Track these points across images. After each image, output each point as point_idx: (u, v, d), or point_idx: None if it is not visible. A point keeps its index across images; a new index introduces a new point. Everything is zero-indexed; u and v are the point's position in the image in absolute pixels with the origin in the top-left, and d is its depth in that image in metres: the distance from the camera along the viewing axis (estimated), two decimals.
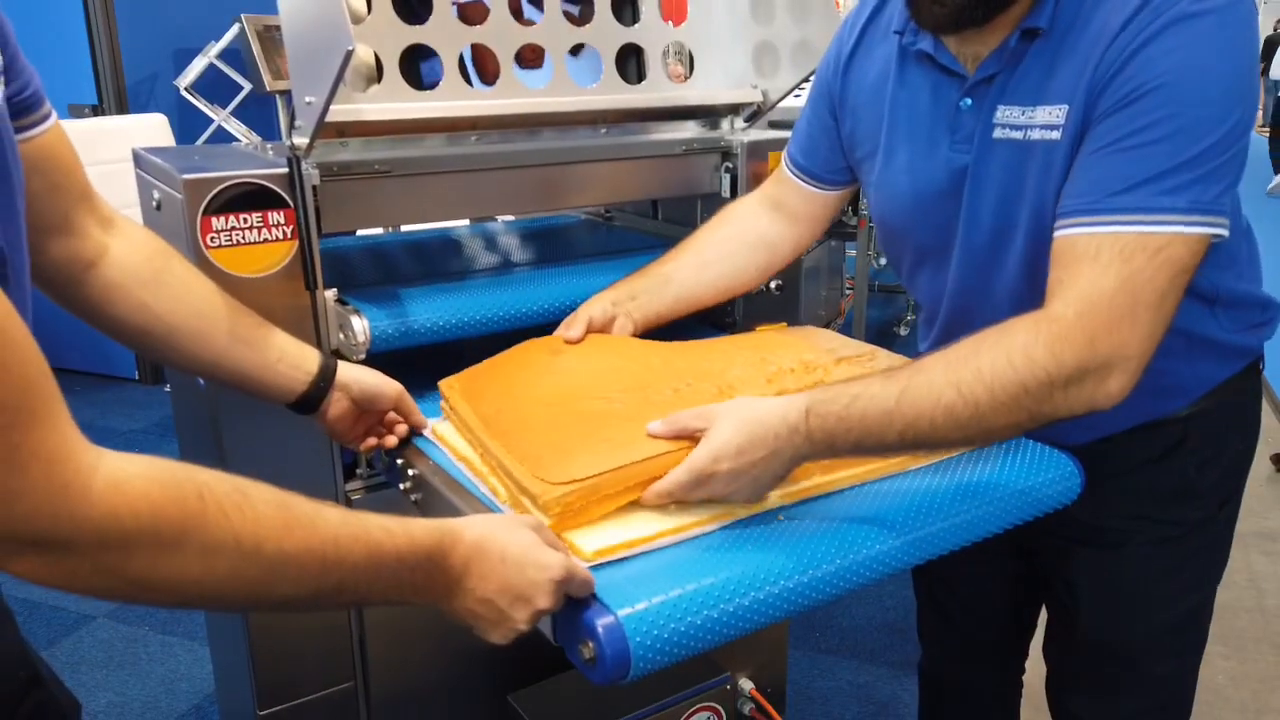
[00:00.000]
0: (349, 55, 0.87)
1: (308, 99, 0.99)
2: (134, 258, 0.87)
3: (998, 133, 0.94)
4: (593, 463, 0.82)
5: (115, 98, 3.54)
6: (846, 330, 3.47)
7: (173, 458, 0.57)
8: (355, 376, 0.98)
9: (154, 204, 1.12)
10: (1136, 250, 0.80)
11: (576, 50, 1.20)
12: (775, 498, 0.85)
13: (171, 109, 3.60)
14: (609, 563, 0.76)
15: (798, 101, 3.02)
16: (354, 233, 1.64)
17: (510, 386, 1.06)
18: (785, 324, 1.45)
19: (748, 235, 1.22)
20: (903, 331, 4.26)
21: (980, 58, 0.94)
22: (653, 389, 0.99)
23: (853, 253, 3.84)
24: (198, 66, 3.54)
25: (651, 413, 0.89)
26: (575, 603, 0.73)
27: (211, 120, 3.63)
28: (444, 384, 1.06)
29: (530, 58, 1.19)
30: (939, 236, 1.03)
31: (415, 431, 1.04)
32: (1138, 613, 1.08)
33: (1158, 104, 0.81)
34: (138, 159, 1.18)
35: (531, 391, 1.05)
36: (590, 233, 1.63)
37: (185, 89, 3.51)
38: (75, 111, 3.48)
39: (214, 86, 3.64)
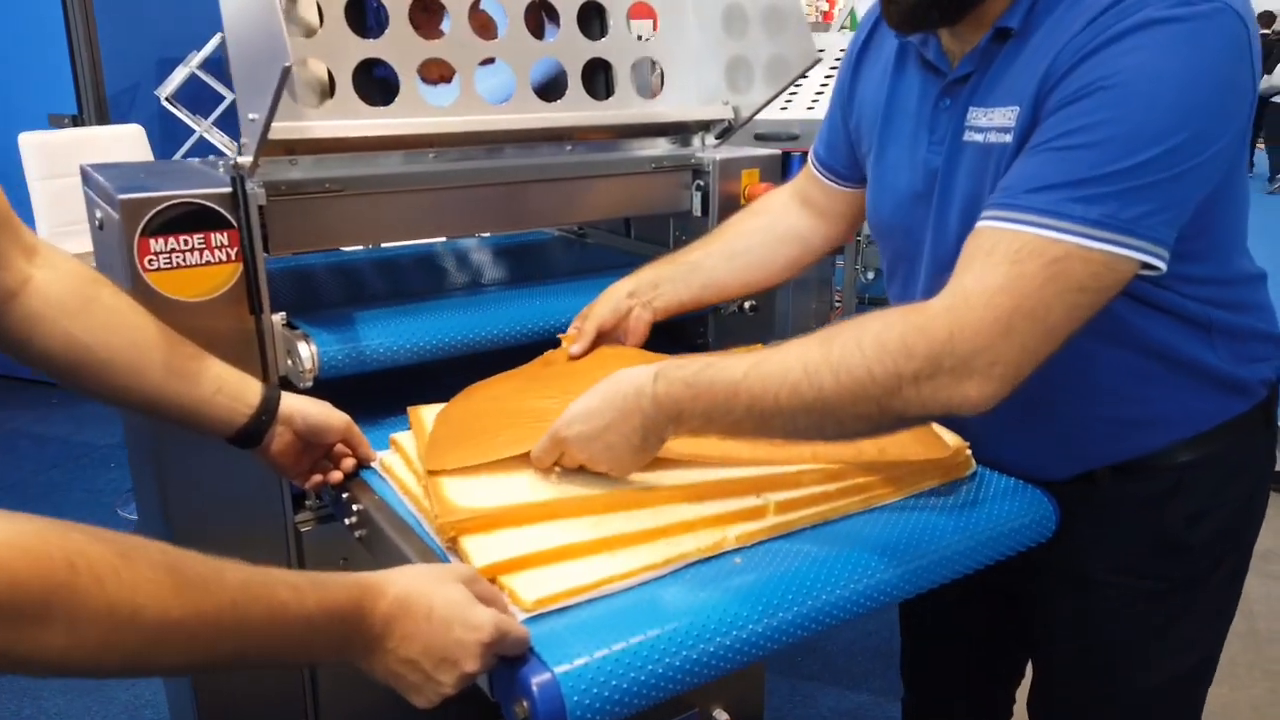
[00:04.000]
0: (287, 71, 0.83)
1: (251, 115, 0.95)
2: (59, 287, 0.83)
3: (967, 135, 0.90)
4: (476, 453, 0.85)
5: (95, 107, 3.50)
6: None
7: None
8: (300, 409, 0.93)
9: (97, 224, 1.07)
10: (1032, 254, 0.73)
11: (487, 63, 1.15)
12: (732, 539, 0.80)
13: (153, 119, 3.56)
14: (551, 611, 0.72)
15: (783, 114, 2.98)
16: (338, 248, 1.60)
17: (479, 401, 1.02)
18: (760, 345, 1.41)
19: (778, 227, 1.19)
20: None
21: (961, 56, 0.91)
22: None
23: (842, 264, 3.81)
24: (179, 76, 3.50)
25: None
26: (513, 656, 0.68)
27: (193, 131, 3.59)
28: (414, 410, 1.01)
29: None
30: (910, 242, 0.99)
31: (363, 464, 0.99)
32: (1118, 673, 1.01)
33: (1099, 105, 0.75)
34: (85, 176, 1.14)
35: (492, 402, 1.01)
36: (563, 250, 1.59)
37: (166, 99, 3.47)
38: (55, 121, 3.44)
39: (196, 97, 3.60)
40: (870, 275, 3.21)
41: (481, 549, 0.76)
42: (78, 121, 3.47)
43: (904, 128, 0.99)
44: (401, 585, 0.66)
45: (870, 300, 4.77)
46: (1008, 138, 0.84)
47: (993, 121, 0.87)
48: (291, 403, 0.93)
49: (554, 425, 0.84)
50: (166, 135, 3.63)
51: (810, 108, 2.87)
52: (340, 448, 0.98)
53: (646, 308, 1.14)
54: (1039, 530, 0.90)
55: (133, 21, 3.55)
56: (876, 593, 0.79)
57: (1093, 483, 0.96)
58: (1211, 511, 0.96)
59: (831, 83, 3.01)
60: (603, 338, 1.13)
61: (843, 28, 4.32)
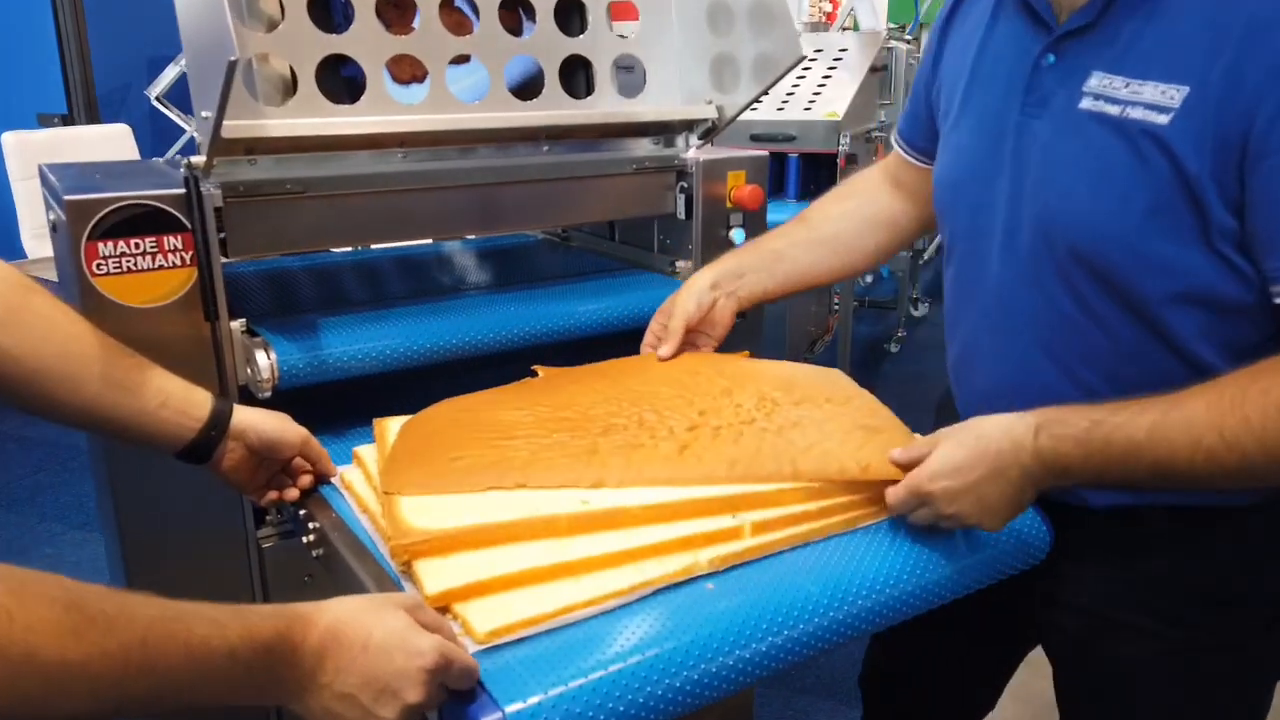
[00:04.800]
0: (233, 66, 0.79)
1: (204, 113, 0.90)
2: None
3: (1086, 103, 0.78)
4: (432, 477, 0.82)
5: (85, 107, 3.46)
6: (833, 347, 3.38)
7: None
8: (253, 423, 0.89)
9: (51, 226, 1.03)
10: None
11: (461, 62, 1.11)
12: (704, 564, 0.75)
13: (144, 119, 3.52)
14: (507, 643, 0.67)
15: (780, 115, 2.93)
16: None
17: (446, 412, 0.98)
18: (748, 353, 1.36)
19: (867, 210, 1.13)
20: (893, 349, 4.17)
21: (1075, 7, 0.80)
22: (590, 414, 0.94)
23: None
24: (169, 75, 3.45)
25: (562, 434, 0.87)
26: (462, 692, 0.64)
27: (184, 130, 3.54)
28: (380, 422, 0.97)
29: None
30: (979, 219, 0.89)
31: (323, 479, 0.95)
32: None
33: None
34: (42, 176, 1.10)
35: (460, 413, 0.97)
36: (546, 254, 1.54)
37: (156, 99, 3.43)
38: (44, 121, 3.40)
39: (187, 96, 3.56)
40: (869, 279, 3.16)
41: (435, 573, 0.72)
42: (67, 121, 3.44)
43: (992, 88, 0.88)
44: (334, 614, 0.61)
45: (870, 303, 4.73)
46: (1163, 119, 0.73)
47: (1139, 95, 0.75)
48: (245, 416, 0.88)
49: (914, 477, 0.78)
50: (158, 135, 3.59)
51: (807, 108, 2.83)
52: (299, 462, 0.93)
53: (731, 298, 1.09)
54: (1031, 553, 0.85)
55: (123, 20, 3.51)
56: (858, 621, 0.75)
57: (1138, 517, 0.86)
58: (1273, 564, 0.86)
59: (830, 81, 2.96)
60: (690, 334, 1.09)
61: (844, 28, 4.28)
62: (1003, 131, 0.86)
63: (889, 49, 3.35)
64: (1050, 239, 0.82)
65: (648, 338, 1.11)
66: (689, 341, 1.09)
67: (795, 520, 0.81)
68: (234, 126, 0.92)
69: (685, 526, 0.78)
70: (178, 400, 0.84)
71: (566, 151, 1.20)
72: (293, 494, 0.91)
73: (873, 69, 3.06)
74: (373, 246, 1.53)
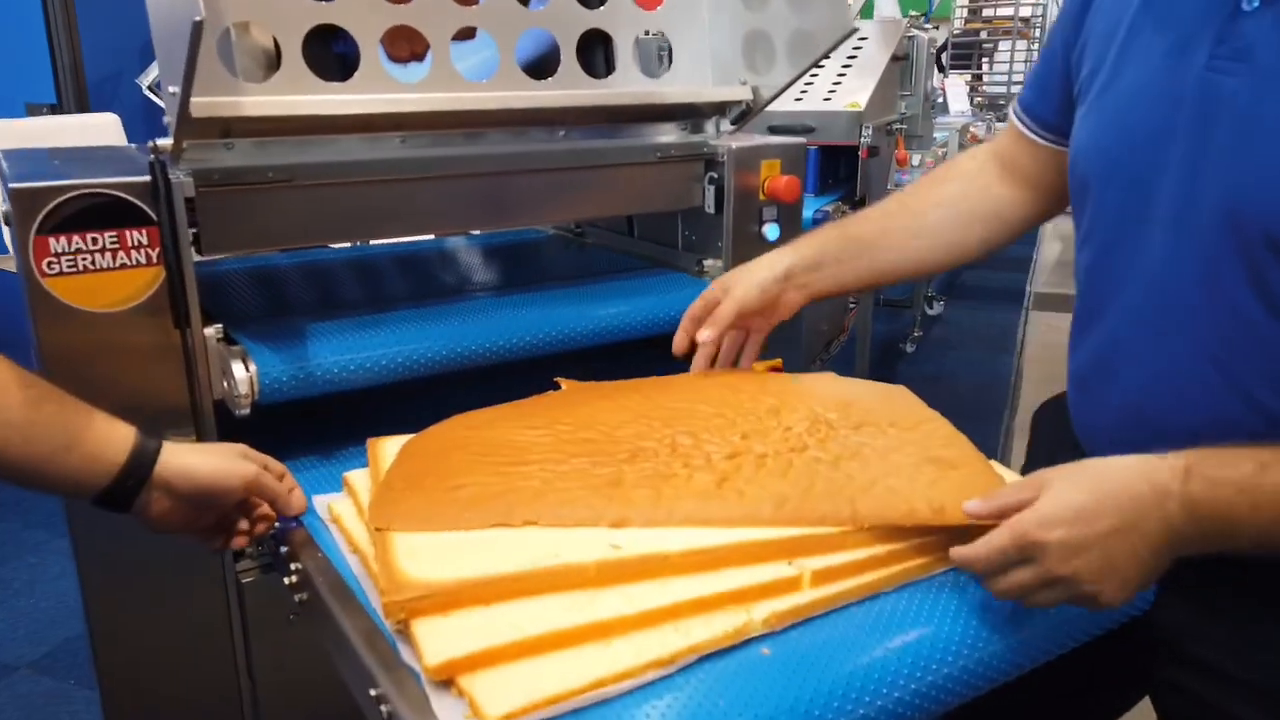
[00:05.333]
0: (199, 29, 0.66)
1: (171, 89, 0.78)
2: None
3: None
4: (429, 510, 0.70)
5: (75, 96, 3.33)
6: (849, 347, 3.26)
7: None
8: (184, 468, 0.72)
9: (3, 218, 0.91)
10: None
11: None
12: (758, 623, 0.63)
13: (136, 109, 3.40)
14: None
15: (798, 105, 2.80)
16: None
17: (452, 431, 0.86)
18: (780, 360, 1.24)
19: (971, 198, 0.98)
20: (909, 349, 4.04)
21: None
22: (613, 437, 0.82)
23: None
24: None
25: (582, 458, 0.76)
26: None
27: None
28: (375, 442, 0.85)
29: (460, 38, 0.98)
30: (1135, 196, 0.75)
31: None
32: None
33: None
34: None
35: (466, 431, 0.85)
36: (558, 252, 1.42)
37: (148, 88, 3.31)
38: (33, 111, 3.27)
39: None
40: None
41: (437, 638, 0.59)
42: (56, 111, 3.31)
43: (1163, 39, 0.74)
44: None
45: (884, 302, 4.59)
46: None
47: None
48: (175, 460, 0.72)
49: (1021, 522, 0.62)
50: (151, 126, 3.47)
51: (827, 98, 2.70)
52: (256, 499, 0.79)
53: (801, 291, 0.96)
54: (1141, 597, 0.72)
55: (114, 8, 3.38)
56: (947, 690, 0.62)
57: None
58: None
59: (849, 71, 2.83)
60: (742, 319, 0.95)
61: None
62: (1179, 92, 0.72)
63: (910, 38, 3.22)
64: (1239, 222, 0.67)
65: (685, 323, 0.98)
66: (737, 325, 0.96)
67: (862, 568, 0.68)
68: (207, 104, 0.80)
69: (732, 576, 0.66)
70: (90, 444, 0.69)
71: (583, 138, 1.08)
72: (240, 542, 0.78)
73: (894, 58, 2.92)
74: (368, 243, 1.41)
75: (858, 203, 2.89)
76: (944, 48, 6.38)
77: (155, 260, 0.83)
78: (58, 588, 2.33)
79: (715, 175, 1.14)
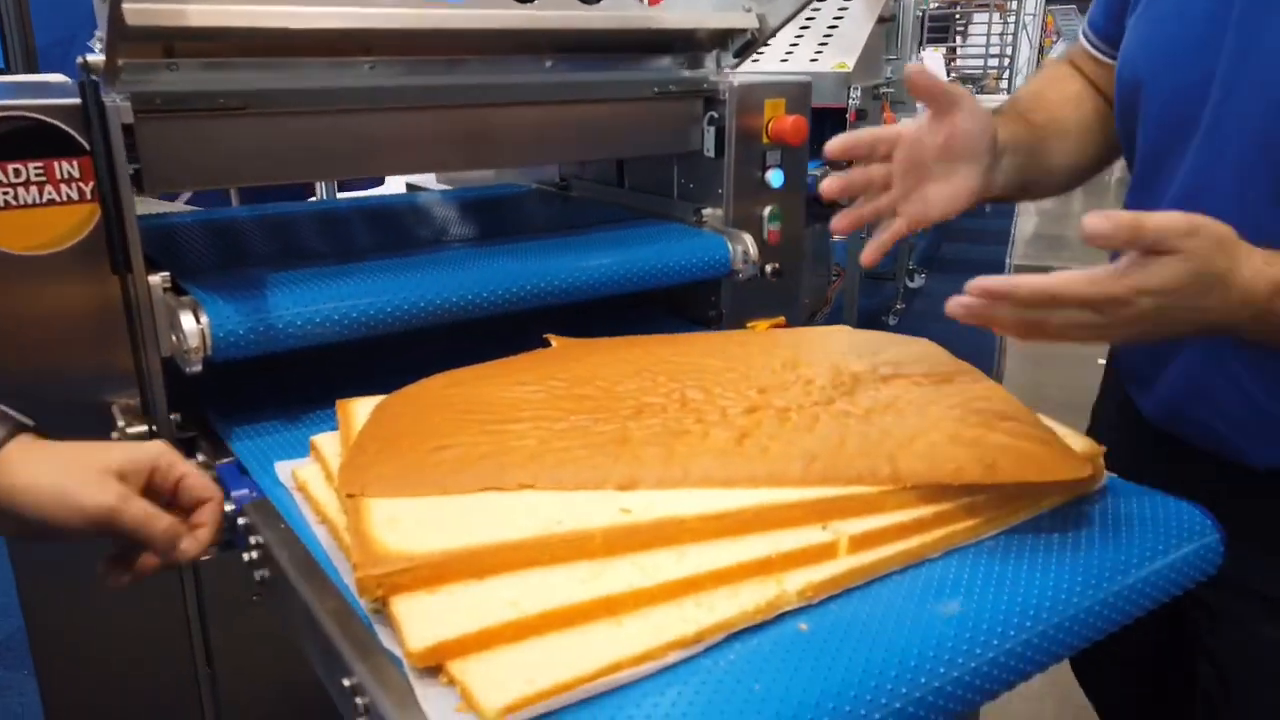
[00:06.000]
0: None
1: None
2: None
3: None
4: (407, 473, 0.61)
5: (24, 59, 3.16)
6: (834, 320, 3.19)
7: None
8: (25, 487, 0.56)
9: None
10: None
11: None
12: (793, 594, 0.55)
13: None
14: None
15: (784, 66, 2.71)
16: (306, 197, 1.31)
17: (432, 390, 0.77)
18: (783, 318, 1.16)
19: (1093, 100, 0.87)
20: (892, 321, 3.98)
21: None
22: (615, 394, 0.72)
23: (839, 238, 3.55)
24: None
25: (581, 416, 0.68)
26: None
27: None
28: (345, 404, 0.75)
29: None
30: (1168, 119, 0.70)
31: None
32: None
33: None
34: None
35: (449, 388, 0.77)
36: (540, 206, 1.33)
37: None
38: None
39: None
40: None
41: (421, 619, 0.50)
42: (3, 74, 3.14)
43: None
44: None
45: (867, 275, 4.52)
46: None
47: None
48: (17, 468, 0.56)
49: (1107, 284, 0.56)
50: None
51: (814, 59, 2.61)
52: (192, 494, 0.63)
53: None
54: (1204, 562, 0.65)
55: None
56: (1002, 670, 0.54)
57: None
58: None
59: (835, 32, 2.74)
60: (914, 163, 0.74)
61: None
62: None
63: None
64: (1270, 142, 0.63)
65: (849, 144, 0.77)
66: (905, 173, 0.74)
67: (904, 532, 0.60)
68: (144, 11, 0.69)
69: (761, 543, 0.57)
70: None
71: (572, 70, 0.98)
72: (128, 581, 0.63)
73: (880, 19, 2.84)
74: (335, 198, 1.31)
75: (846, 165, 2.82)
76: (922, 21, 6.31)
77: (89, 196, 0.72)
78: (5, 574, 2.22)
79: (716, 115, 1.04)
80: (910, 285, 4.44)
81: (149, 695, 0.86)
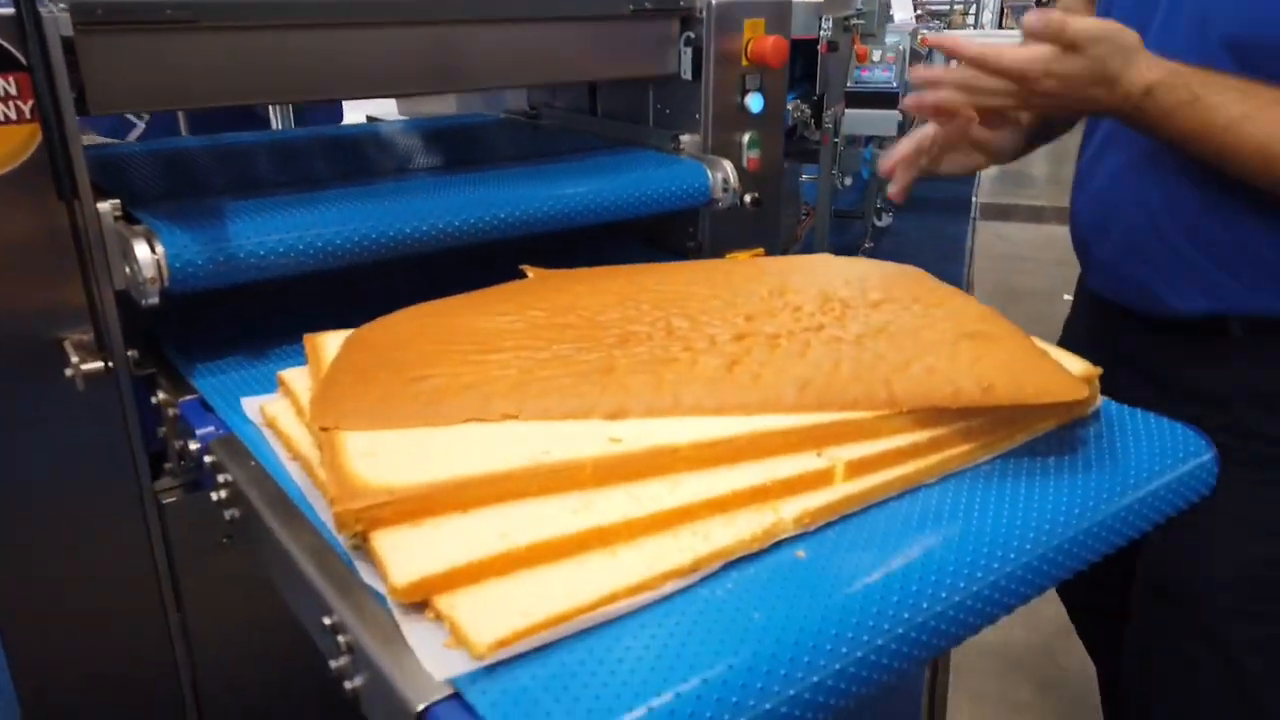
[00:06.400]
0: None
1: None
2: None
3: None
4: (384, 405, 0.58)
5: None
6: None
7: None
8: None
9: None
10: None
11: None
12: (789, 521, 0.53)
13: None
14: (519, 655, 0.44)
15: None
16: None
17: (406, 320, 0.74)
18: (763, 251, 1.14)
19: None
20: None
21: None
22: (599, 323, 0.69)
23: (807, 177, 3.51)
24: None
25: (564, 345, 0.65)
26: None
27: None
28: (313, 338, 0.72)
29: None
30: (1136, 19, 0.82)
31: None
32: (1202, 549, 0.92)
33: None
34: None
35: (424, 319, 0.74)
36: (510, 135, 1.28)
37: None
38: None
39: None
40: (848, 181, 2.93)
41: (404, 553, 0.48)
42: None
43: None
44: None
45: (836, 213, 4.50)
46: None
47: None
48: None
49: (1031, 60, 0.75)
50: None
51: None
52: None
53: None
54: (1199, 482, 0.64)
55: None
56: (1002, 594, 0.53)
57: (1221, 325, 0.88)
58: None
59: None
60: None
61: None
62: None
63: None
64: (1205, 27, 0.79)
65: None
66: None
67: (900, 457, 0.59)
68: None
69: (755, 470, 0.56)
70: None
71: None
72: None
73: None
74: (293, 128, 1.25)
75: (816, 101, 2.76)
76: None
77: (29, 115, 0.67)
78: None
79: (693, 35, 1.00)
80: (879, 224, 4.42)
81: (118, 642, 0.83)
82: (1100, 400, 0.68)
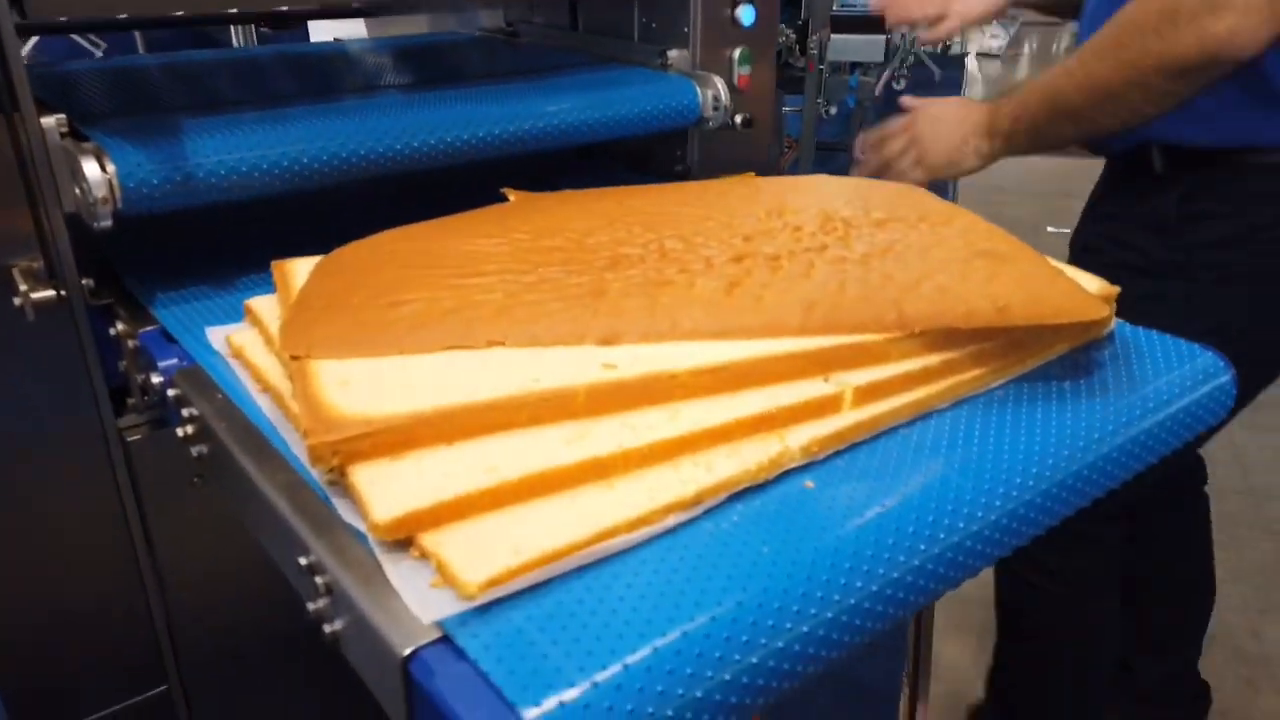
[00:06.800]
0: None
1: None
2: None
3: None
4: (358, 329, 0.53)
5: None
6: None
7: None
8: None
9: None
10: None
11: None
12: (796, 450, 0.50)
13: None
14: (511, 595, 0.41)
15: None
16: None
17: (381, 244, 0.69)
18: (753, 175, 1.09)
19: None
20: None
21: None
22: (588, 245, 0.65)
23: (790, 108, 3.43)
24: None
25: (552, 268, 0.60)
26: (442, 676, 0.38)
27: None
28: (281, 264, 0.67)
29: None
30: None
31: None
32: None
33: None
34: None
35: (400, 242, 0.69)
36: (486, 53, 1.21)
37: None
38: None
39: None
40: (833, 110, 2.87)
41: (385, 487, 0.45)
42: None
43: None
44: None
45: (820, 145, 4.43)
46: None
47: None
48: None
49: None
50: None
51: None
52: None
53: None
54: (1217, 405, 0.62)
55: None
56: (1020, 523, 0.51)
57: (1141, 158, 0.98)
58: (1220, 216, 0.95)
59: None
60: None
61: None
62: None
63: None
64: None
65: None
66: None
67: (910, 382, 0.55)
68: None
69: (758, 397, 0.52)
70: None
71: None
72: None
73: None
74: (254, 44, 1.17)
75: (801, 26, 2.68)
76: None
77: None
78: None
79: None
80: (860, 158, 4.37)
81: (87, 586, 0.80)
82: (1115, 322, 0.65)
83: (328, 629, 0.45)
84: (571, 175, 1.00)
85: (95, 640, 0.82)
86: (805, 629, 0.42)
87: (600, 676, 0.37)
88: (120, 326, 0.72)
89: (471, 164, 0.84)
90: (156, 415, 0.75)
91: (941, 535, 0.47)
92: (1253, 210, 0.94)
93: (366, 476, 0.45)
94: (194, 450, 0.61)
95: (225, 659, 0.87)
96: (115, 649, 0.83)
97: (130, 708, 0.85)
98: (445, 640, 0.39)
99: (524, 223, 0.71)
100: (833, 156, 4.35)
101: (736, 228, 0.69)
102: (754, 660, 0.40)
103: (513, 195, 0.82)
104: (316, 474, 0.48)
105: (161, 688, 0.86)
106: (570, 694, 0.36)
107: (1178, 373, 0.61)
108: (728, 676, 0.39)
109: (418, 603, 0.40)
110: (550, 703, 0.36)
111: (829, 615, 0.42)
